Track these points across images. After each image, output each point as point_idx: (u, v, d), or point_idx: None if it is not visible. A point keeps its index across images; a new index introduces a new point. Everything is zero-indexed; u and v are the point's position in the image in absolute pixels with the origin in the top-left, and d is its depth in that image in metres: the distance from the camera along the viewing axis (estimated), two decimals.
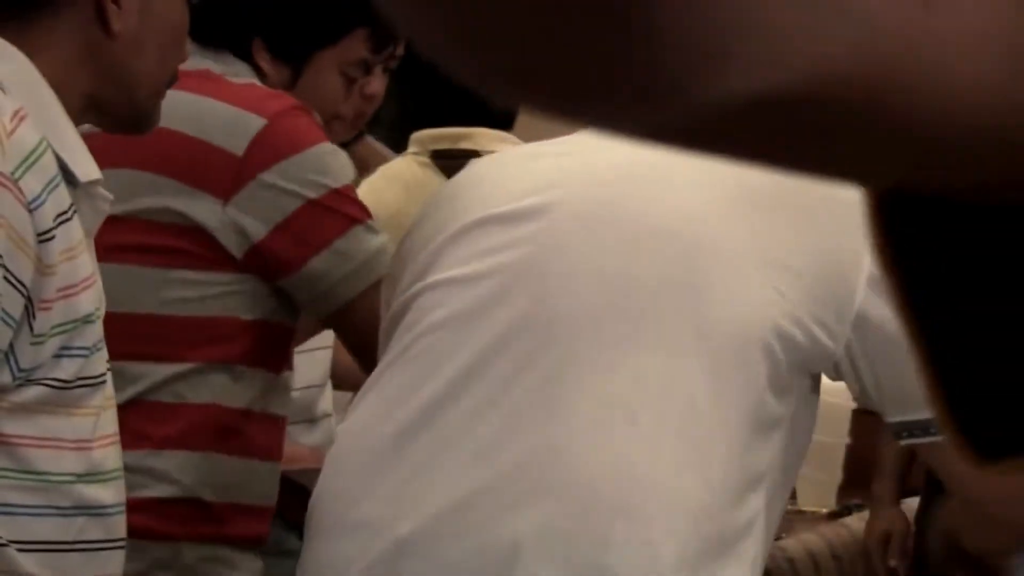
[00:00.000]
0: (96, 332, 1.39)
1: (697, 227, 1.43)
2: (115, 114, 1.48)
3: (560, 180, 1.50)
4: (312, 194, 1.80)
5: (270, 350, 1.86)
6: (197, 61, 1.88)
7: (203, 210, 1.78)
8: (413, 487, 1.41)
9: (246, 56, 1.92)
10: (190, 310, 1.81)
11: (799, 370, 1.43)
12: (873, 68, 0.43)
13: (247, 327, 1.83)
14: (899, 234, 0.48)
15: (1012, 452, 0.49)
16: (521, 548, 1.35)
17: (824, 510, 3.17)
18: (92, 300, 1.38)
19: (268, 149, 1.79)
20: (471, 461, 1.40)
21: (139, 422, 1.75)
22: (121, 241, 1.77)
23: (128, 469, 1.69)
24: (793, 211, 1.45)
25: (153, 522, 1.76)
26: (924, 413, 1.46)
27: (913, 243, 0.48)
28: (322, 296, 1.82)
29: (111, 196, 1.43)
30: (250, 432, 1.86)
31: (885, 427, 1.55)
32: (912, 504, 2.85)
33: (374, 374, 1.52)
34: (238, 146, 1.79)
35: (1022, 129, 0.44)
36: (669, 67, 0.41)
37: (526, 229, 1.47)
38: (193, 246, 1.80)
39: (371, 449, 1.46)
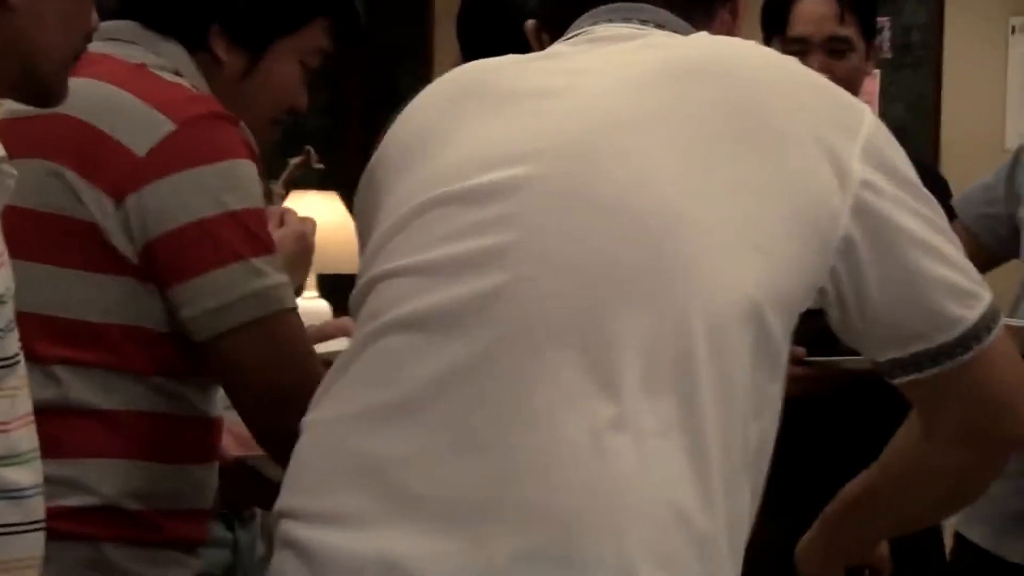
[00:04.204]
0: (6, 313, 1.36)
1: (667, 198, 1.36)
2: (20, 88, 1.46)
3: (525, 152, 1.41)
4: (207, 212, 1.73)
5: (186, 358, 1.79)
6: (126, 48, 1.85)
7: (97, 206, 1.73)
8: (378, 504, 1.33)
9: (201, 43, 1.88)
10: (95, 315, 1.74)
11: (787, 320, 1.38)
12: None
13: (160, 337, 1.77)
14: None
15: None
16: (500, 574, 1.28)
17: None
18: (2, 281, 1.36)
19: (172, 155, 1.73)
20: (442, 479, 1.32)
21: (54, 429, 1.67)
22: (30, 237, 1.72)
23: (46, 480, 1.65)
24: (758, 148, 1.39)
25: (73, 527, 1.71)
26: (914, 348, 1.43)
27: None
28: (190, 321, 1.75)
29: (15, 172, 1.41)
30: (176, 436, 1.81)
31: (876, 365, 1.48)
32: None
33: (341, 361, 1.44)
34: (141, 146, 1.73)
35: None
36: None
37: (491, 212, 1.38)
38: (87, 244, 1.74)
39: (331, 451, 1.39)
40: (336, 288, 4.81)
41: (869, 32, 2.60)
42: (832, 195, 1.39)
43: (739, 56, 1.48)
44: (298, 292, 5.52)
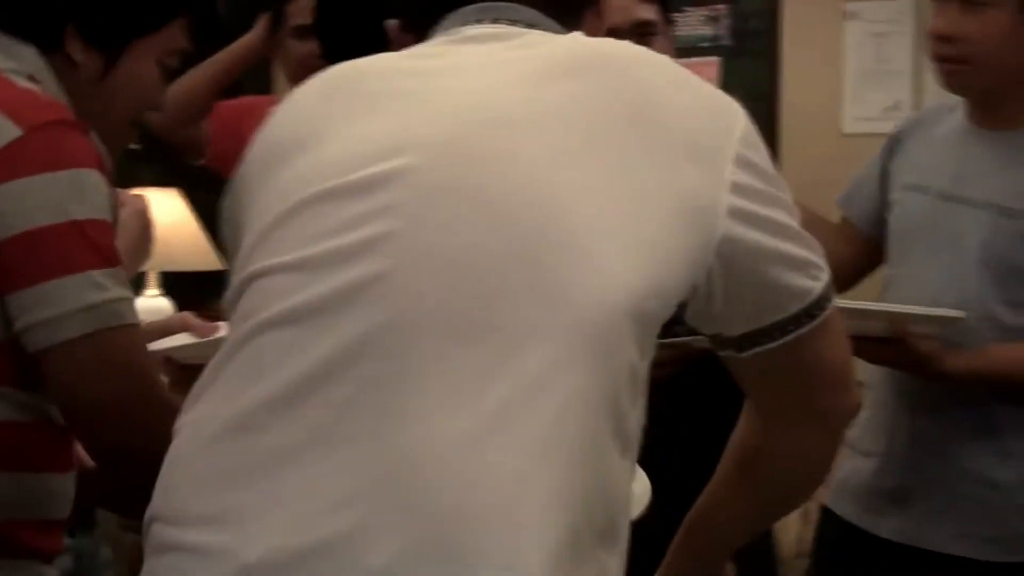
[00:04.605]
0: None
1: (553, 190, 1.34)
2: None
3: (403, 144, 1.38)
4: (48, 220, 1.68)
5: (33, 368, 1.72)
6: None
7: None
8: (253, 508, 1.29)
9: (56, 45, 1.83)
10: None
11: (666, 311, 1.38)
12: None
13: (5, 347, 1.71)
14: None
15: None
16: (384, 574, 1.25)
17: None
18: None
19: (17, 161, 1.69)
20: (319, 475, 1.28)
21: None
22: None
23: None
24: (645, 145, 1.38)
25: None
26: (771, 319, 1.47)
27: None
28: (23, 332, 1.70)
29: None
30: (31, 446, 1.76)
31: (719, 343, 1.52)
32: None
33: (216, 362, 1.39)
34: None
35: None
36: None
37: (368, 205, 1.36)
38: None
39: (206, 451, 1.35)
40: (177, 285, 4.75)
41: (668, 13, 2.62)
42: (711, 196, 1.39)
43: (624, 55, 1.49)
44: (143, 277, 5.42)
